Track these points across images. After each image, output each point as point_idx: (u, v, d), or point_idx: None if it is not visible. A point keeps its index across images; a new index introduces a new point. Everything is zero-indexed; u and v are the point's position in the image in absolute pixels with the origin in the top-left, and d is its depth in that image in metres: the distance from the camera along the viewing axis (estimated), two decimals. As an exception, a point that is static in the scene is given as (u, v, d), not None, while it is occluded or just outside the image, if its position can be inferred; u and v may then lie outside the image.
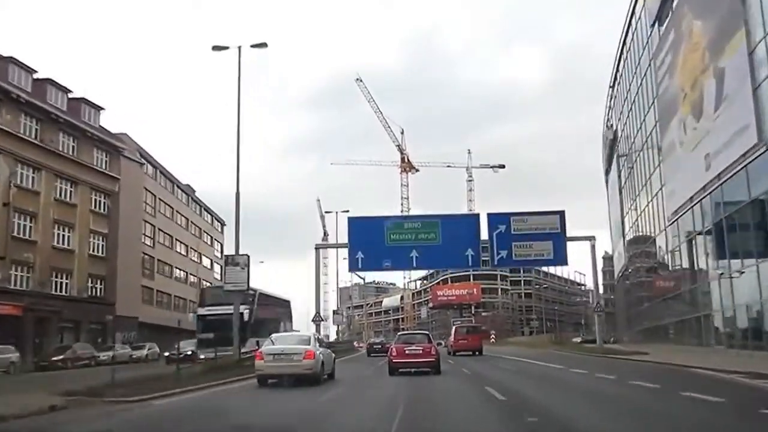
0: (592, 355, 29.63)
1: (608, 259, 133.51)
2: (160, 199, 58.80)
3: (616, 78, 42.35)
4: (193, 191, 75.53)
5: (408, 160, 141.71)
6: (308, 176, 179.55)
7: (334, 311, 50.14)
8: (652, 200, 34.30)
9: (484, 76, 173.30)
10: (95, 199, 43.30)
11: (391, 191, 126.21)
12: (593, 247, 34.93)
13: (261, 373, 15.66)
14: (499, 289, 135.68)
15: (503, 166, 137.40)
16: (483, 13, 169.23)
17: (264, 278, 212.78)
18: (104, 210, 44.05)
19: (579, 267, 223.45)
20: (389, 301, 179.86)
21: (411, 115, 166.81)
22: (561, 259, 34.88)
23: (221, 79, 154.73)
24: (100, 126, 44.91)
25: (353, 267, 35.44)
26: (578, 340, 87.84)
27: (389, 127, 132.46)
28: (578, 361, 25.02)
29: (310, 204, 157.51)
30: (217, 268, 76.50)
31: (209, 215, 75.27)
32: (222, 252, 79.01)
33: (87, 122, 42.86)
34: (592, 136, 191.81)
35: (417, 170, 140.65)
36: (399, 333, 29.84)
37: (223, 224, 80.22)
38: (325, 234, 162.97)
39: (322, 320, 35.28)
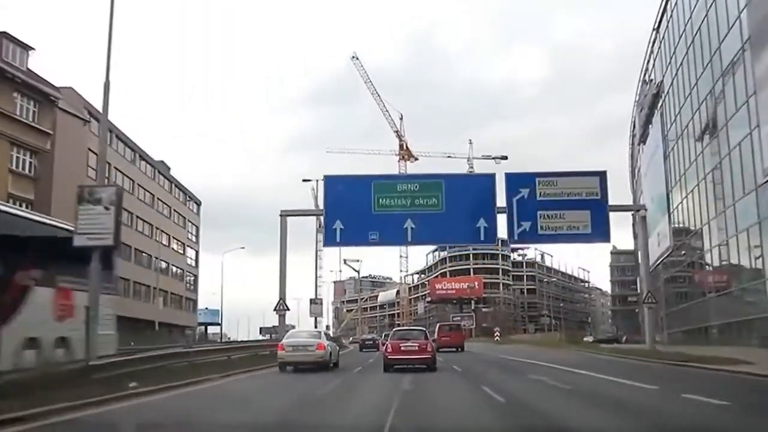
0: (649, 361, 21.36)
1: (616, 254, 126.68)
2: (116, 168, 50.53)
3: (664, 13, 34.04)
4: (168, 168, 67.38)
5: (407, 147, 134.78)
6: (309, 172, 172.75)
7: (311, 300, 41.88)
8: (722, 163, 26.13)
9: (483, 74, 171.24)
10: (16, 157, 35.09)
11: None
12: (643, 219, 26.88)
13: (282, 361, 18.89)
14: (501, 284, 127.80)
15: (506, 158, 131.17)
16: (482, 12, 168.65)
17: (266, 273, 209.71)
18: (29, 171, 35.86)
19: (583, 263, 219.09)
20: (385, 296, 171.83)
21: (410, 113, 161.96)
22: (601, 233, 26.59)
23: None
24: (28, 69, 36.68)
25: (330, 240, 27.18)
26: (590, 339, 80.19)
27: (387, 111, 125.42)
28: (643, 373, 16.94)
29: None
30: (191, 252, 68.31)
31: (182, 193, 66.95)
32: (197, 236, 70.87)
33: (8, 61, 34.59)
34: (592, 134, 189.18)
35: (416, 159, 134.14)
36: (394, 329, 28.23)
37: (198, 204, 72.04)
38: (320, 225, 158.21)
39: (287, 309, 27.16)
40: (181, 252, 65.85)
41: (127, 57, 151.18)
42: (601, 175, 26.75)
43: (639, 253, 26.63)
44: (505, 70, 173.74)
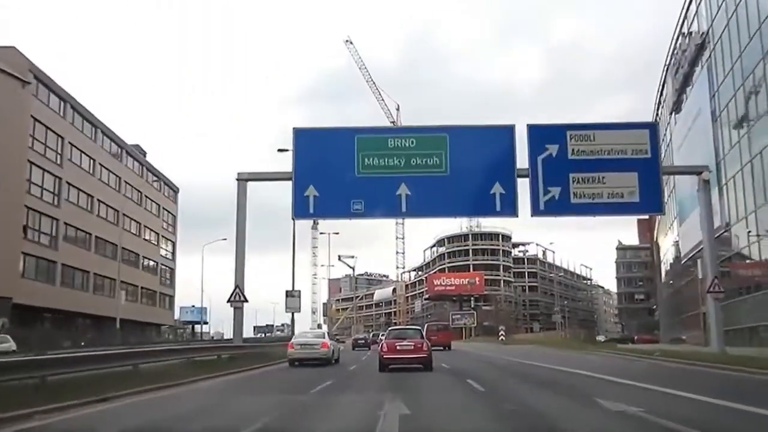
0: (737, 370, 15.20)
1: (621, 249, 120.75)
2: (71, 143, 44.29)
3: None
4: (144, 154, 61.26)
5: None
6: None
7: (287, 292, 35.65)
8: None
9: (479, 74, 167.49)
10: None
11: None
12: (706, 183, 20.71)
13: (291, 357, 20.92)
14: (502, 281, 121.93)
15: None
16: (479, 12, 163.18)
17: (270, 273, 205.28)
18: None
19: (584, 259, 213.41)
20: (381, 294, 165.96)
21: (406, 111, 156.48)
22: (652, 201, 20.50)
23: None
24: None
25: (300, 211, 20.92)
26: (602, 338, 74.15)
27: (383, 100, 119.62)
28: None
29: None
30: (167, 245, 62.19)
31: (155, 178, 60.60)
32: (174, 226, 64.67)
33: None
34: None
35: None
36: (390, 328, 27.68)
37: (175, 191, 65.82)
38: (315, 221, 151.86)
39: (243, 301, 20.98)
40: (154, 242, 59.57)
41: (126, 57, 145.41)
42: (652, 128, 20.79)
43: (703, 226, 20.45)
44: (502, 71, 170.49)
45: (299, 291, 37.09)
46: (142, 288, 56.54)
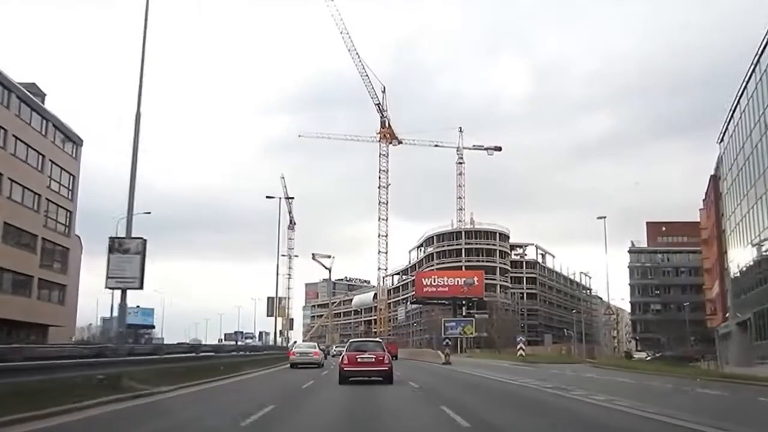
0: None
1: (635, 253, 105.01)
2: None
3: None
4: (42, 97, 44.84)
5: (389, 125, 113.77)
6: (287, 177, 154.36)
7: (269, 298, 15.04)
8: None
9: (463, 87, 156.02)
10: None
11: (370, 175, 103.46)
12: None
13: (293, 362, 31.39)
14: (499, 286, 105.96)
15: (499, 149, 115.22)
16: (465, 25, 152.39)
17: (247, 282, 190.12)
18: None
19: (584, 266, 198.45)
20: (360, 299, 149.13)
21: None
22: None
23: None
24: None
25: None
26: (644, 356, 58.54)
27: (367, 76, 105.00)
28: None
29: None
30: (48, 206, 44.93)
31: (39, 120, 43.79)
32: (73, 191, 47.74)
33: None
34: (570, 152, 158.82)
35: (400, 142, 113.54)
36: (350, 340, 28.31)
37: (77, 144, 48.97)
38: (292, 221, 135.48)
39: None
40: (34, 208, 42.66)
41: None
42: None
43: None
44: (485, 85, 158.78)
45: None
46: (15, 273, 40.01)
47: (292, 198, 44.04)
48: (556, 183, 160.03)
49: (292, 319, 79.48)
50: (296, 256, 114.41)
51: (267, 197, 42.48)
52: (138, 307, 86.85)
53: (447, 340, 35.48)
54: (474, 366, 33.38)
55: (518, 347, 41.34)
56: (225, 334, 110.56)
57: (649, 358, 51.03)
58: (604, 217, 41.55)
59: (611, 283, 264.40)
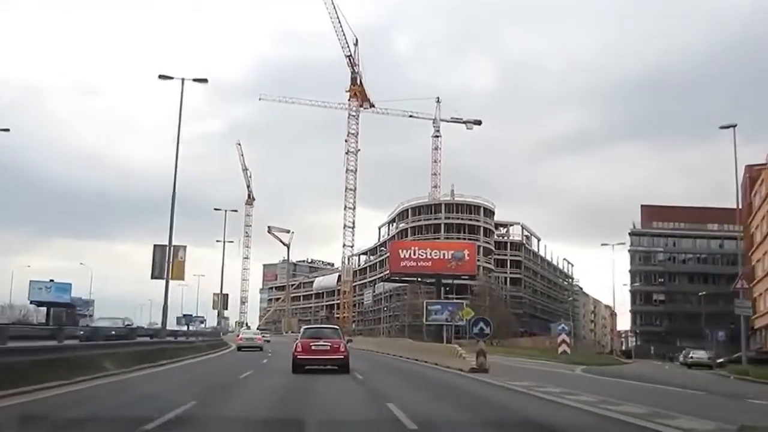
0: None
1: (636, 235, 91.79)
2: None
3: None
4: None
5: (360, 82, 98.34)
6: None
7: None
8: None
9: (433, 79, 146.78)
10: None
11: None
12: None
13: (239, 345, 37.89)
14: (482, 268, 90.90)
15: (479, 122, 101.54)
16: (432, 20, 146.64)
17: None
18: None
19: (569, 253, 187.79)
20: (322, 282, 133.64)
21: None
22: None
23: None
24: None
25: None
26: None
27: (339, 20, 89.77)
28: None
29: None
30: None
31: None
32: None
33: None
34: (533, 149, 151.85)
35: (373, 106, 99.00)
36: (304, 326, 25.19)
37: None
38: (250, 196, 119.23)
39: None
40: None
41: None
42: None
43: None
44: (453, 78, 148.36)
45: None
46: None
47: (205, 80, 29.46)
48: (520, 178, 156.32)
49: (226, 295, 68.70)
50: (249, 226, 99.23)
51: (160, 77, 26.75)
52: (52, 281, 70.40)
53: (481, 325, 18.39)
54: (529, 376, 18.44)
55: (560, 342, 26.84)
56: (177, 318, 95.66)
57: (709, 359, 36.98)
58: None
59: (589, 280, 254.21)
